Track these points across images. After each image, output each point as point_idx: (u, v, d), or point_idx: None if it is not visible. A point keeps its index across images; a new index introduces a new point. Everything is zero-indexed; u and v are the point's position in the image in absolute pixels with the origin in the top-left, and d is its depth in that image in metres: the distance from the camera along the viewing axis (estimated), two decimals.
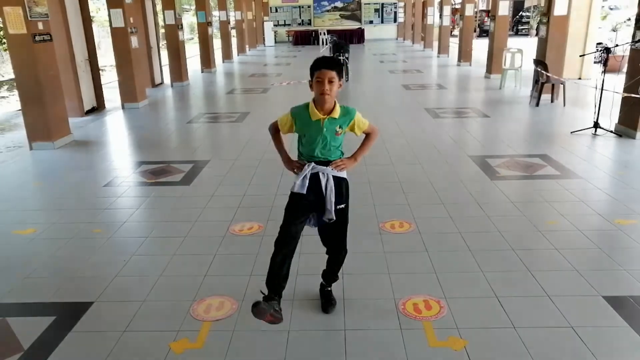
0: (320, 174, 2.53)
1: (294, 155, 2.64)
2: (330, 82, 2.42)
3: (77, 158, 6.07)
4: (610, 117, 6.57)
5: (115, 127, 8.05)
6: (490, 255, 3.37)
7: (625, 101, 6.41)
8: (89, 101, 9.06)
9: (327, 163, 2.54)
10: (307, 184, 2.51)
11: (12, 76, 7.06)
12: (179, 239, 3.74)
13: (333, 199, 2.53)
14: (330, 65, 2.44)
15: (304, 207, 2.55)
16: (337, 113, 2.49)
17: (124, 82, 9.39)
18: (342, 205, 2.61)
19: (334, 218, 2.56)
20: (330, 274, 2.82)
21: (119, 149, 6.59)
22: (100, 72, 9.85)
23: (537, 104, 8.57)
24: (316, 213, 2.61)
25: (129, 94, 9.43)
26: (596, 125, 6.53)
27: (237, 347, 2.51)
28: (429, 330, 2.59)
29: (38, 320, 2.76)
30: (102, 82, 9.90)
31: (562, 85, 8.51)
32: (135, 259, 3.46)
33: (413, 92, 10.65)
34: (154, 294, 3.00)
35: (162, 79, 12.94)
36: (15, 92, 7.61)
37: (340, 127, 2.51)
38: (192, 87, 12.38)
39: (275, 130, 2.67)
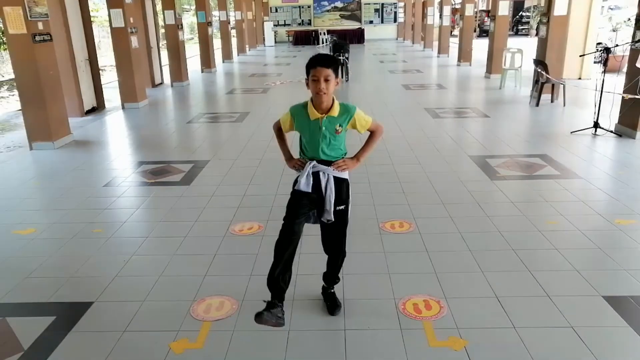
0: (321, 173, 2.49)
1: (296, 153, 2.64)
2: (327, 80, 2.36)
3: (77, 158, 6.07)
4: (610, 117, 6.57)
5: (115, 127, 8.06)
6: (490, 255, 3.37)
7: (625, 101, 6.41)
8: (89, 101, 9.06)
9: (329, 163, 2.50)
10: (311, 182, 2.48)
11: (12, 76, 7.06)
12: (179, 239, 3.74)
13: (332, 200, 2.50)
14: (326, 63, 2.38)
15: (305, 205, 2.52)
16: (336, 111, 2.45)
17: (124, 82, 9.39)
18: (342, 207, 2.57)
19: (333, 219, 2.53)
20: (331, 276, 2.79)
21: (119, 149, 6.59)
22: (100, 72, 9.85)
23: (537, 104, 8.57)
24: (316, 210, 2.58)
25: (129, 94, 9.42)
26: (596, 125, 6.53)
27: (237, 347, 2.51)
28: (429, 330, 2.59)
29: (38, 320, 2.76)
30: (102, 82, 9.90)
31: (562, 85, 8.51)
32: (135, 259, 3.46)
33: (413, 92, 10.65)
34: (154, 294, 3.00)
35: (162, 79, 12.94)
36: (15, 92, 7.61)
37: (340, 125, 2.46)
38: (192, 87, 12.38)
39: (278, 128, 2.67)
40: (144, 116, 8.87)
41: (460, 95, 10.33)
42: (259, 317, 2.33)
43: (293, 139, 2.67)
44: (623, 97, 6.36)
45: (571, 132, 6.62)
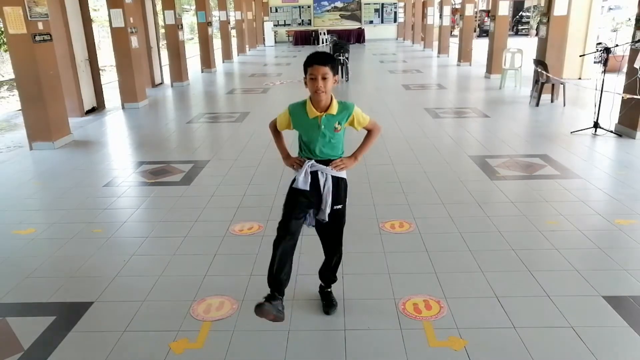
0: (319, 173, 2.50)
1: (295, 152, 2.64)
2: (324, 78, 2.35)
3: (77, 158, 6.07)
4: (610, 117, 6.57)
5: (115, 127, 8.05)
6: (490, 255, 3.37)
7: (625, 101, 6.41)
8: (89, 101, 9.06)
9: (327, 162, 2.50)
10: (309, 180, 2.47)
11: (12, 76, 7.06)
12: (179, 239, 3.74)
13: (329, 200, 2.50)
14: (323, 61, 2.36)
15: (303, 204, 2.52)
16: (334, 109, 2.44)
17: (124, 82, 9.39)
18: (340, 206, 2.57)
19: (326, 219, 2.54)
20: (327, 276, 2.80)
21: (119, 149, 6.59)
22: (100, 72, 9.85)
23: (537, 104, 8.57)
24: (313, 211, 2.58)
25: (129, 94, 9.42)
26: (596, 125, 6.53)
27: (237, 347, 2.51)
28: (429, 330, 2.59)
29: (38, 320, 2.76)
30: (102, 82, 9.90)
31: (562, 85, 8.51)
32: (135, 259, 3.46)
33: (413, 92, 10.65)
34: (154, 294, 3.00)
35: (162, 79, 12.93)
36: (15, 92, 7.61)
37: (339, 123, 2.45)
38: (192, 87, 12.38)
39: (274, 127, 2.65)
40: (144, 116, 8.87)
41: (460, 95, 10.32)
42: (259, 309, 2.35)
43: (292, 138, 2.67)
44: (623, 97, 6.36)
45: (571, 132, 6.62)
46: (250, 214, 4.19)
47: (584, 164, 5.35)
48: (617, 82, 7.15)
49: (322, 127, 2.43)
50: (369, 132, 2.62)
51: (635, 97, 6.14)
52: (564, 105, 8.49)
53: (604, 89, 6.52)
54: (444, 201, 4.35)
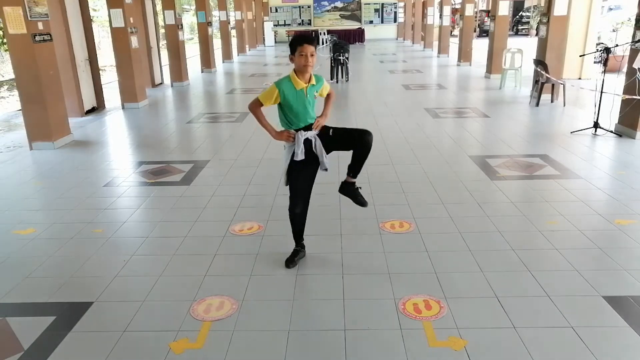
0: (309, 138, 3.02)
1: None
2: (312, 55, 2.89)
3: (77, 158, 6.07)
4: (610, 117, 6.57)
5: (115, 127, 8.05)
6: (490, 255, 3.37)
7: (625, 101, 6.42)
8: (89, 101, 9.06)
9: (309, 127, 3.00)
10: (304, 149, 3.00)
11: (12, 76, 7.06)
12: (179, 239, 3.74)
13: (323, 153, 3.02)
14: (311, 41, 2.91)
15: (306, 167, 3.05)
16: (314, 80, 3.01)
17: (124, 82, 9.39)
18: (331, 133, 3.06)
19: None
20: (357, 164, 3.18)
21: (119, 149, 6.59)
22: (100, 72, 9.85)
23: (537, 104, 8.57)
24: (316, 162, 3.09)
25: (129, 94, 9.42)
26: (596, 125, 6.53)
27: (237, 347, 2.51)
28: (429, 330, 2.59)
29: (38, 320, 2.76)
30: (102, 82, 9.90)
31: (562, 85, 8.51)
32: (135, 259, 3.46)
33: (413, 92, 10.65)
34: (154, 294, 3.00)
35: (162, 79, 12.93)
36: (15, 92, 7.60)
37: (316, 91, 3.04)
38: (192, 87, 12.38)
39: (256, 106, 3.07)
40: (144, 116, 8.87)
41: (460, 95, 10.32)
42: (291, 263, 3.20)
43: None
44: (622, 98, 6.35)
45: (571, 132, 6.62)
46: (250, 214, 4.19)
47: (584, 164, 5.35)
48: (617, 82, 7.16)
49: (308, 96, 2.98)
50: (329, 96, 3.20)
51: (634, 97, 6.14)
52: (564, 105, 8.49)
53: (603, 89, 6.52)
54: (444, 201, 4.35)
